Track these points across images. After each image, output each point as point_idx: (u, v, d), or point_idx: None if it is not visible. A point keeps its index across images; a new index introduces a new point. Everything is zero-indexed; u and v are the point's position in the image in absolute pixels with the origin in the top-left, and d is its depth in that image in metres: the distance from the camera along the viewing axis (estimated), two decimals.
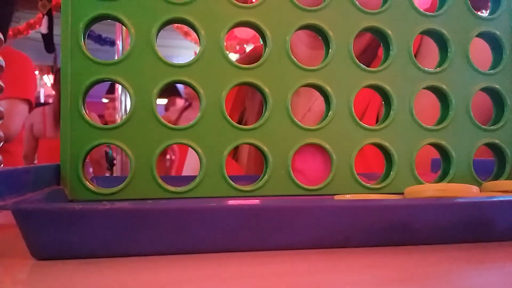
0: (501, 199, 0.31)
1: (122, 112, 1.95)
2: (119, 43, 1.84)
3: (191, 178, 0.36)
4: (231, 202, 0.29)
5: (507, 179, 0.40)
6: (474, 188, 0.33)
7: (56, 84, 2.40)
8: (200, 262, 0.26)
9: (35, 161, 2.32)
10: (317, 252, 0.28)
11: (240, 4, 0.37)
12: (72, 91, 0.34)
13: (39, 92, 6.27)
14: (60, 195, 0.33)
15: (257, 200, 0.32)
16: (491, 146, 0.41)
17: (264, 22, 0.37)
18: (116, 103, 2.01)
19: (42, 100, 6.11)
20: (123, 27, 0.36)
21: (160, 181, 0.35)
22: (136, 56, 0.35)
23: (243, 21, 0.37)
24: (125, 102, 1.94)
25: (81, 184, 0.34)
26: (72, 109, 0.34)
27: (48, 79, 6.22)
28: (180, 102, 3.11)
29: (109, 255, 0.27)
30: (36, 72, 6.23)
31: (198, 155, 0.36)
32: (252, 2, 0.37)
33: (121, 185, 0.35)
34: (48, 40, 3.63)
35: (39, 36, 3.73)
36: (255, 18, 0.37)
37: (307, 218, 0.28)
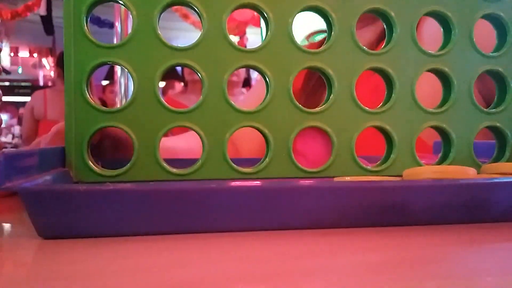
0: (496, 180, 0.32)
1: (121, 95, 1.95)
2: (117, 25, 1.84)
3: (193, 161, 0.36)
4: (231, 183, 0.30)
5: (507, 162, 0.40)
6: (471, 170, 0.33)
7: (59, 67, 2.40)
8: (202, 243, 0.27)
9: None
10: (316, 232, 0.29)
11: None
12: (76, 74, 0.35)
13: (38, 75, 6.25)
14: (66, 177, 0.34)
15: (257, 182, 0.33)
16: (492, 129, 0.41)
17: (266, 4, 0.37)
18: (115, 86, 2.01)
19: (41, 83, 6.09)
20: (122, 9, 0.36)
21: (163, 163, 0.35)
22: (138, 39, 0.35)
23: (246, 3, 0.37)
24: (124, 85, 1.94)
25: (86, 166, 0.35)
26: (76, 92, 0.35)
27: (47, 62, 6.19)
28: (179, 86, 3.10)
29: (112, 234, 0.27)
30: (35, 55, 6.20)
31: (200, 138, 0.36)
32: None
33: (125, 167, 0.35)
34: (47, 22, 3.61)
35: (38, 18, 3.71)
36: (258, 0, 0.37)
37: (305, 199, 0.29)
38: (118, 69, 1.85)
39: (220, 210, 0.28)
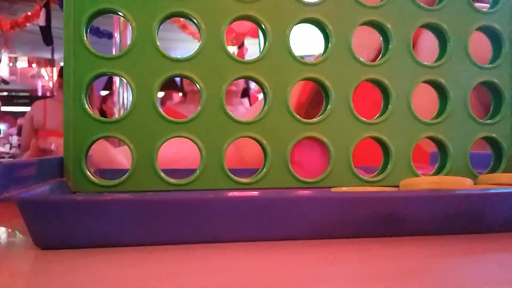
0: (492, 191, 0.32)
1: (120, 105, 1.95)
2: (116, 35, 1.85)
3: (191, 171, 0.37)
4: (229, 194, 0.30)
5: (503, 172, 0.41)
6: (468, 181, 0.33)
7: (60, 78, 2.42)
8: (199, 253, 0.27)
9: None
10: (313, 242, 0.29)
11: None
12: (75, 84, 0.35)
13: (36, 85, 6.25)
14: (64, 187, 0.34)
15: (254, 192, 0.33)
16: (488, 140, 0.41)
17: (264, 16, 0.37)
18: (114, 96, 2.02)
19: (40, 93, 6.09)
20: (121, 20, 0.36)
21: (161, 173, 0.36)
22: (137, 50, 0.36)
23: (244, 15, 0.37)
24: (122, 95, 1.94)
25: (84, 177, 0.35)
26: (75, 102, 0.35)
27: (46, 72, 6.20)
28: (177, 97, 3.11)
29: (110, 245, 0.27)
30: (34, 65, 6.21)
31: (198, 148, 0.36)
32: None
33: (123, 177, 0.35)
34: (46, 33, 3.63)
35: (37, 28, 3.73)
36: (256, 12, 0.37)
37: (302, 209, 0.29)
38: (116, 79, 1.85)
39: (218, 220, 0.28)
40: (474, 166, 0.41)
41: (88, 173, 0.35)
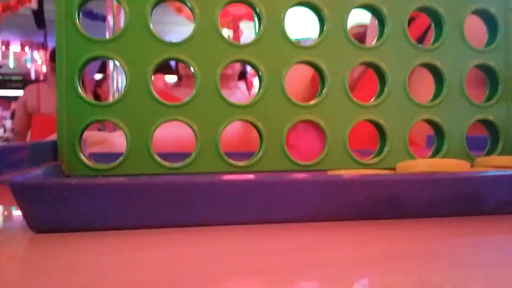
0: (489, 174, 0.32)
1: (114, 89, 1.94)
2: (110, 19, 1.83)
3: (187, 154, 0.36)
4: (223, 177, 0.30)
5: (500, 155, 0.41)
6: (465, 164, 0.33)
7: (52, 61, 2.39)
8: (193, 237, 0.27)
9: (28, 137, 2.32)
10: (310, 226, 0.29)
11: None
12: (68, 68, 0.34)
13: (29, 69, 6.20)
14: (57, 171, 0.34)
15: (250, 176, 0.33)
16: (485, 122, 0.41)
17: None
18: (108, 80, 2.00)
19: (33, 77, 6.05)
20: (114, 3, 0.36)
21: (156, 157, 0.35)
22: (130, 33, 0.35)
23: None
24: (116, 79, 1.93)
25: (78, 160, 0.35)
26: (68, 86, 0.34)
27: (39, 56, 6.14)
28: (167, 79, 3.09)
29: (104, 228, 0.27)
30: (27, 49, 6.16)
31: (193, 131, 0.36)
32: None
33: (118, 161, 0.35)
34: (38, 16, 3.59)
35: (29, 12, 3.69)
36: None
37: (299, 193, 0.29)
38: (110, 63, 1.84)
39: (213, 204, 0.28)
40: (471, 149, 0.41)
41: (82, 156, 0.35)
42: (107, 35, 1.30)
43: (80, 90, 0.35)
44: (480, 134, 0.42)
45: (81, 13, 0.35)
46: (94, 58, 0.35)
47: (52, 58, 2.38)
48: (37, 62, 6.20)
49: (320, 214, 0.30)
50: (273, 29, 0.37)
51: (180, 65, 2.24)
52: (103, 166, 0.35)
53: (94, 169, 0.35)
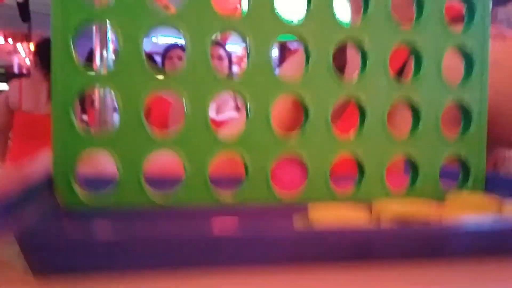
0: (453, 229, 0.32)
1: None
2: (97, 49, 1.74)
3: (175, 182, 0.38)
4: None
5: (470, 190, 0.43)
6: (434, 208, 0.35)
7: (36, 56, 2.33)
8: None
9: (10, 135, 2.29)
10: (286, 270, 0.29)
11: None
12: (63, 100, 0.36)
13: (13, 61, 6.12)
14: (54, 206, 0.35)
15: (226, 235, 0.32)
16: (457, 157, 0.43)
17: (247, 31, 0.39)
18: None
19: (16, 70, 5.96)
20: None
21: (146, 189, 0.37)
22: (124, 63, 0.37)
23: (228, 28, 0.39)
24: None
25: (73, 194, 0.36)
26: (64, 118, 0.36)
27: (22, 47, 6.06)
28: None
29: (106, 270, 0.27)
30: (10, 40, 6.06)
31: (183, 163, 0.38)
32: None
33: (111, 193, 0.37)
34: (23, 9, 3.54)
35: (13, 2, 3.64)
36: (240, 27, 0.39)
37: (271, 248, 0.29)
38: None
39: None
40: (445, 177, 0.43)
41: (78, 190, 0.36)
42: (96, 66, 1.27)
43: (75, 122, 0.36)
44: (453, 168, 0.44)
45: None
46: (87, 89, 0.37)
47: (37, 52, 2.33)
48: (20, 54, 6.11)
49: (294, 262, 0.29)
50: (260, 63, 0.39)
51: (167, 64, 2.25)
52: (96, 200, 0.37)
53: (88, 203, 0.37)
